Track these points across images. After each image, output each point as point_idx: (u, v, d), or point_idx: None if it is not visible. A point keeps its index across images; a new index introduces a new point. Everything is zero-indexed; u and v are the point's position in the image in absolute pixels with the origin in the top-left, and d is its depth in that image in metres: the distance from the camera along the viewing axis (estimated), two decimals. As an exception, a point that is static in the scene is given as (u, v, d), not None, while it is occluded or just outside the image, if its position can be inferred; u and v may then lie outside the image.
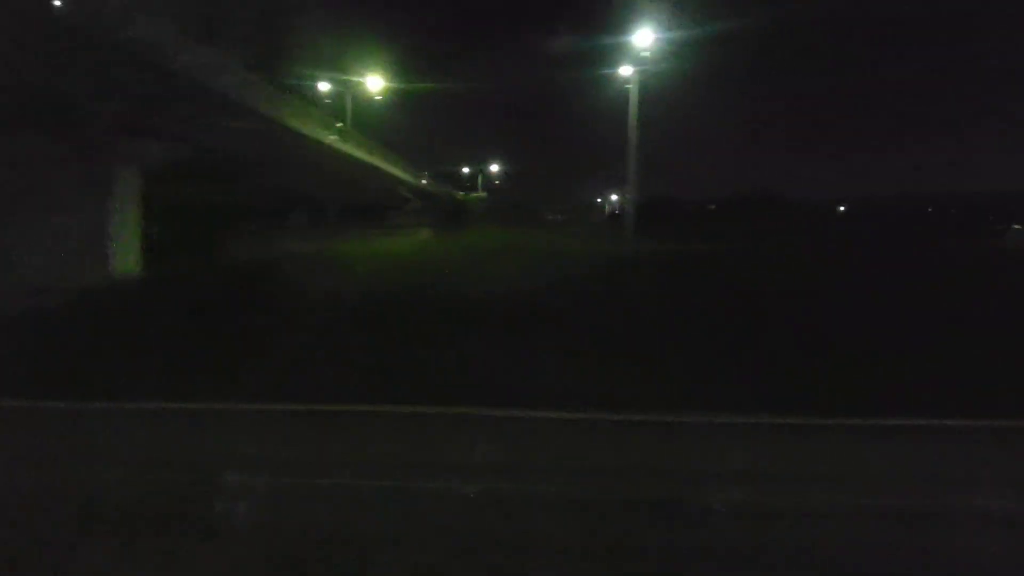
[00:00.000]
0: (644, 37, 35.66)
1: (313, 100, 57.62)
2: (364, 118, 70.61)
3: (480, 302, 12.98)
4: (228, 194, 27.47)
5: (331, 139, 31.58)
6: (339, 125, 43.13)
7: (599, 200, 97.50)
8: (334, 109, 56.95)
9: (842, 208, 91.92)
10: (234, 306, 13.13)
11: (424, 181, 63.07)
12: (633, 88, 36.85)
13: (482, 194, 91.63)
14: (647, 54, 35.95)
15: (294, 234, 37.87)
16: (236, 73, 20.52)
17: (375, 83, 55.39)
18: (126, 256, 19.59)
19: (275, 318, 11.36)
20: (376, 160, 41.23)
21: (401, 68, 71.46)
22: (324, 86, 57.13)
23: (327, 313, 12.16)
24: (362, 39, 79.25)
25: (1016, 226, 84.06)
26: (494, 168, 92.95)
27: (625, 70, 37.20)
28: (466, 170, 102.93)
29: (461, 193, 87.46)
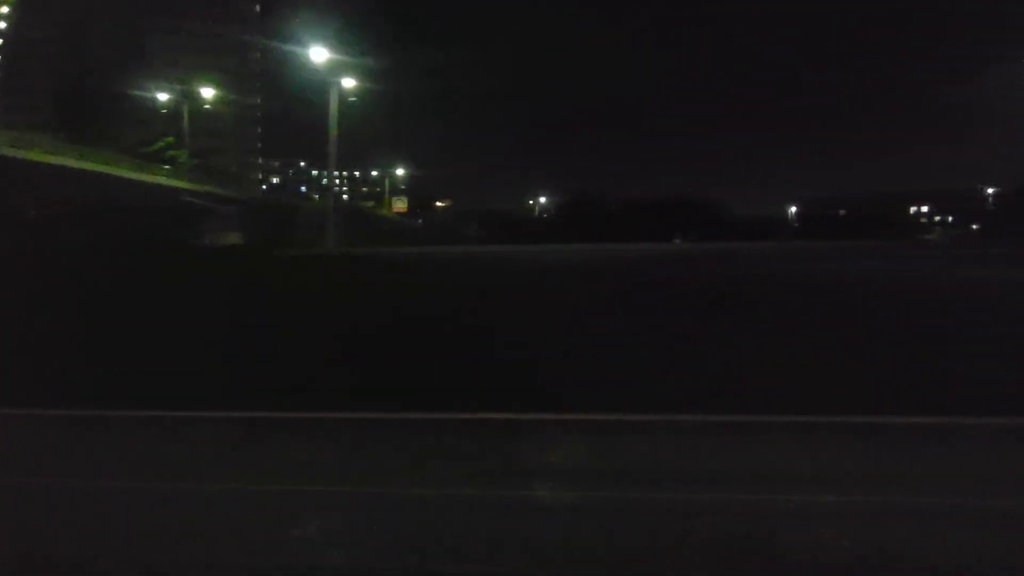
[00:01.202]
0: (320, 54, 40.28)
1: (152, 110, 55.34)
2: (217, 125, 68.18)
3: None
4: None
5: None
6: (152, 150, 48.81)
7: (531, 202, 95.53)
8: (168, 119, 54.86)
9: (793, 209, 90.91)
10: None
11: (225, 191, 60.16)
12: (333, 102, 40.56)
13: (401, 203, 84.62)
14: (320, 68, 40.82)
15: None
16: None
17: (208, 92, 56.97)
18: None
19: None
20: (128, 172, 44.63)
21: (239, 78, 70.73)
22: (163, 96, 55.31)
23: None
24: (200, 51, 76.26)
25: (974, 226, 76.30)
26: (400, 172, 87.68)
27: (347, 82, 42.29)
28: (374, 173, 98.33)
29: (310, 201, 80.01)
